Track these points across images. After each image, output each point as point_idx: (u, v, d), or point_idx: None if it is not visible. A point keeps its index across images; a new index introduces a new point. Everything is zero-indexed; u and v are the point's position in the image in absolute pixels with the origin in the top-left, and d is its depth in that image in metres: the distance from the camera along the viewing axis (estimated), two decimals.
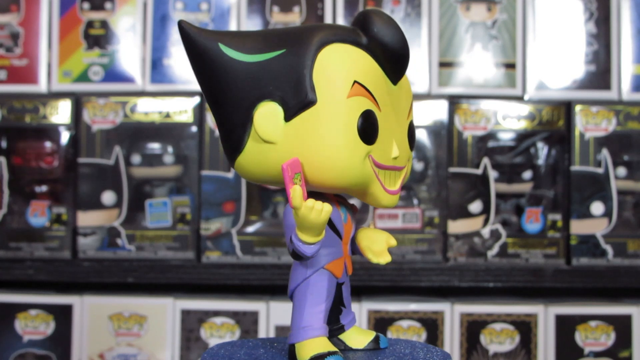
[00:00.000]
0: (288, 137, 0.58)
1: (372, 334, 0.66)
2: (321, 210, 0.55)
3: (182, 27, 0.59)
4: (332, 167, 0.57)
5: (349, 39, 0.59)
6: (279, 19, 1.26)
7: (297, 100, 0.57)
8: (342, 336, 0.64)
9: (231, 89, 0.59)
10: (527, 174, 1.23)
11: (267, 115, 0.58)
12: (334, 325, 0.64)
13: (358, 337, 0.65)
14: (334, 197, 0.63)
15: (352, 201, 0.69)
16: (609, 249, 1.20)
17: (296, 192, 0.55)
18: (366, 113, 0.57)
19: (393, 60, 0.59)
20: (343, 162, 0.57)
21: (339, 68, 0.57)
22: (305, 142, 0.57)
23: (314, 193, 0.60)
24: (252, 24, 1.25)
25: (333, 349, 0.59)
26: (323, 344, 0.59)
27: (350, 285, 0.65)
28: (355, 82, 0.57)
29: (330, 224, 0.61)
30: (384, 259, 0.62)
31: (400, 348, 0.66)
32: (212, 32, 0.60)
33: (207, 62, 0.59)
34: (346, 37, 0.59)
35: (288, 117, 0.58)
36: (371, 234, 0.64)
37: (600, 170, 1.21)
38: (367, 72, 0.58)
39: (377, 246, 0.63)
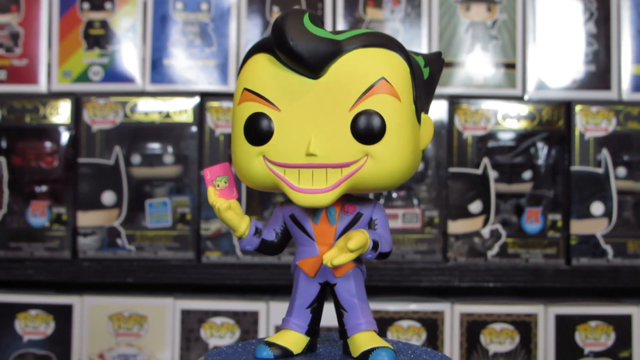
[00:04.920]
0: None
1: (373, 344, 0.61)
2: (217, 208, 0.61)
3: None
4: (237, 170, 0.62)
5: (260, 48, 0.61)
6: None
7: None
8: (349, 340, 0.62)
9: None
10: (527, 174, 1.23)
11: None
12: (340, 328, 0.63)
13: (360, 344, 0.61)
14: None
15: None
16: (609, 249, 1.20)
17: (209, 192, 0.62)
18: (249, 117, 0.60)
19: (288, 57, 0.57)
20: (239, 164, 0.62)
21: (239, 79, 0.62)
22: None
23: None
24: (252, 24, 1.25)
25: (283, 343, 0.62)
26: (281, 337, 0.63)
27: None
28: (244, 89, 0.60)
29: (296, 222, 0.62)
30: (329, 261, 0.57)
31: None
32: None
33: None
34: (258, 48, 0.61)
35: None
36: (349, 235, 0.58)
37: (600, 170, 1.21)
38: (260, 77, 0.60)
39: (341, 246, 0.58)
